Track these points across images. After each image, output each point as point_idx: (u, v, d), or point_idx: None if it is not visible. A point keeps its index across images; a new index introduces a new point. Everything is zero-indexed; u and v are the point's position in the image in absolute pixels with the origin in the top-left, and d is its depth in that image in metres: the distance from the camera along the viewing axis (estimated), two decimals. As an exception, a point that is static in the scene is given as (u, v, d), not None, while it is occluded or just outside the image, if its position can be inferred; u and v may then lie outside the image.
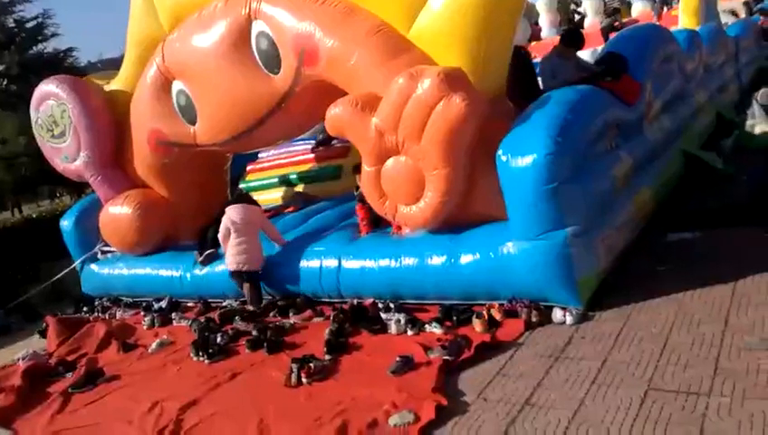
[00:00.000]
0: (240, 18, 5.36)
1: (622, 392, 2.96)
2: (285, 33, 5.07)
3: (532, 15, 14.45)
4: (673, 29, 9.40)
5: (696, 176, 5.86)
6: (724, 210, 4.91)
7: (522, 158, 3.82)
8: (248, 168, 8.32)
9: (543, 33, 13.94)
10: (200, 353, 4.67)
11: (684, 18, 10.85)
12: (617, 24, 12.45)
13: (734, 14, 14.42)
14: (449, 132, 4.05)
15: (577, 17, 14.66)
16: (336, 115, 4.61)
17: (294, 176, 7.69)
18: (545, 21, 14.01)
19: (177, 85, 6.01)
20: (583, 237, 3.87)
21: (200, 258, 5.99)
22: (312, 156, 7.62)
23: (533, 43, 13.73)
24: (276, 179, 7.88)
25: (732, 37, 9.99)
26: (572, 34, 5.74)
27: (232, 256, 5.37)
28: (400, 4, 4.60)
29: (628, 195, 4.55)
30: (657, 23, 11.10)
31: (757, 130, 4.35)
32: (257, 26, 5.30)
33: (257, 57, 5.38)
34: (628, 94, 4.96)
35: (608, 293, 4.05)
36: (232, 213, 5.46)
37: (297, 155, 7.81)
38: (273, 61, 5.27)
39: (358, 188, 5.14)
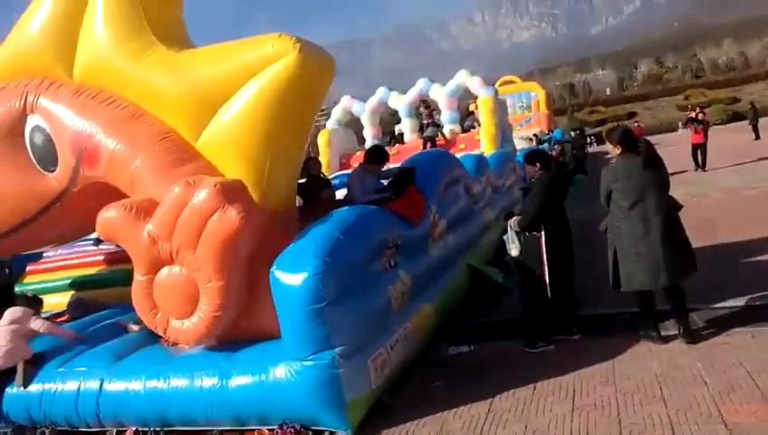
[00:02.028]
0: (13, 109, 4.95)
1: None
2: (64, 130, 4.75)
3: (358, 127, 15.58)
4: (476, 151, 10.54)
5: (480, 289, 6.33)
6: (494, 325, 5.30)
7: (291, 275, 3.78)
8: (28, 268, 7.37)
9: (367, 145, 14.98)
10: None
11: (484, 142, 12.34)
12: (438, 138, 13.83)
13: (529, 140, 16.79)
14: (224, 244, 3.93)
15: (397, 132, 16.04)
16: (107, 219, 4.29)
17: (81, 279, 6.93)
18: (368, 133, 15.14)
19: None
20: (353, 358, 3.84)
21: None
22: (101, 258, 6.97)
23: (359, 153, 14.67)
24: (60, 283, 7.03)
25: (520, 162, 11.44)
26: (375, 151, 6.09)
27: None
28: (189, 114, 4.52)
29: (407, 312, 4.67)
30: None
31: (513, 253, 4.85)
32: (33, 120, 4.93)
33: (30, 152, 4.95)
34: (413, 209, 5.23)
35: (381, 413, 4.02)
36: None
37: (87, 256, 7.10)
38: (48, 157, 4.88)
39: None
